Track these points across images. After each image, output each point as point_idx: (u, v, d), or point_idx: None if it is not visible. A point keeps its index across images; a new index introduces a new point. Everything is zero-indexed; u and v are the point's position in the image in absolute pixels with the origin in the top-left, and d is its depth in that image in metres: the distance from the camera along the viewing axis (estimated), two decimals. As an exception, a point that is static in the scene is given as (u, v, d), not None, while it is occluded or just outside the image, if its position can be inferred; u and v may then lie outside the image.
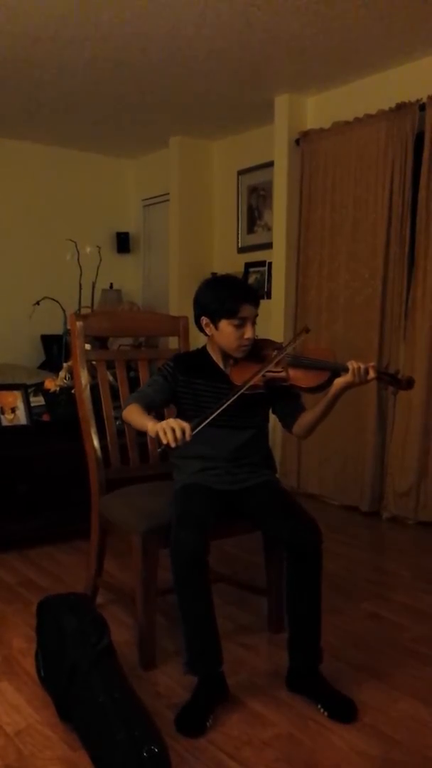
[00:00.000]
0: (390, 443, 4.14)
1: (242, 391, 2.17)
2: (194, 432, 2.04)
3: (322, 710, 2.08)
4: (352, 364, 2.15)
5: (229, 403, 2.14)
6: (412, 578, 3.22)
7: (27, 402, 3.56)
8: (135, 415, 2.22)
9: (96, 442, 2.63)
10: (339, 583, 3.09)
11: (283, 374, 2.25)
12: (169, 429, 2.00)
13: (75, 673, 1.95)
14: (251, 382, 2.20)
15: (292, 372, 2.26)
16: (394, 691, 2.22)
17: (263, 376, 2.25)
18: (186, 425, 2.02)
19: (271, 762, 1.87)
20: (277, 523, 2.23)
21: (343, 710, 2.07)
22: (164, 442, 2.00)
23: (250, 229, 5.45)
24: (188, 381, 2.36)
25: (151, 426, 2.09)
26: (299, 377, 2.25)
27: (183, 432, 2.00)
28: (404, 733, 2.00)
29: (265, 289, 5.07)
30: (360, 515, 4.22)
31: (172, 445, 2.00)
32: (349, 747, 1.93)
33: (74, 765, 1.85)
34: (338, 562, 3.36)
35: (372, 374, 2.15)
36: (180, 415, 2.40)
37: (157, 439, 2.03)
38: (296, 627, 2.18)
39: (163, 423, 2.03)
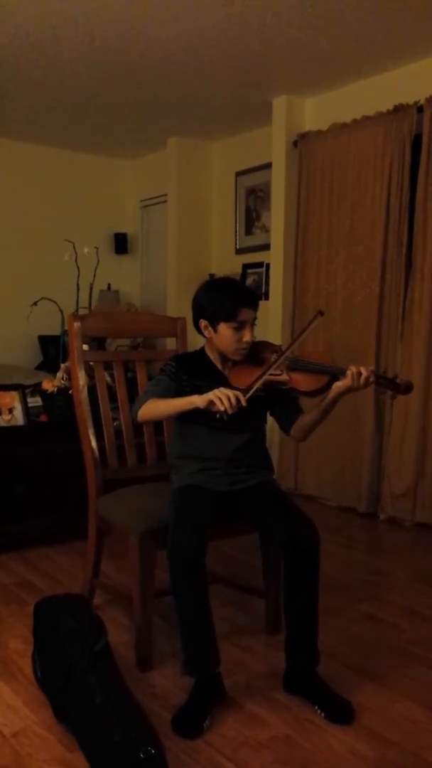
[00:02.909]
0: (387, 445, 4.15)
1: (271, 369, 2.20)
2: (247, 397, 2.06)
3: (319, 712, 2.08)
4: (350, 369, 2.15)
5: (268, 372, 2.17)
6: (409, 580, 3.23)
7: (24, 402, 3.55)
8: (162, 404, 2.21)
9: (93, 443, 2.63)
10: (336, 585, 3.09)
11: (283, 377, 2.25)
12: (224, 396, 2.02)
13: (72, 674, 1.95)
14: (269, 373, 2.21)
15: (291, 375, 2.26)
16: (391, 692, 2.23)
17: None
18: (238, 392, 2.04)
19: (268, 763, 1.87)
20: (275, 524, 2.23)
21: (340, 712, 2.07)
22: (221, 408, 2.01)
23: (248, 231, 5.45)
24: (190, 381, 2.35)
25: (199, 399, 2.09)
26: (299, 380, 2.25)
27: (237, 399, 2.02)
28: (401, 735, 2.00)
29: (263, 291, 5.07)
30: (357, 516, 4.22)
31: (230, 411, 2.02)
32: (345, 748, 1.93)
33: (71, 766, 1.85)
34: (335, 563, 3.36)
35: (371, 379, 2.15)
36: (179, 416, 2.40)
37: (210, 407, 2.05)
38: (293, 628, 2.18)
39: (215, 391, 2.05)
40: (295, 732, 2.01)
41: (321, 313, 2.37)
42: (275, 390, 2.28)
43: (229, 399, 2.02)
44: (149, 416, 2.26)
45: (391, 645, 2.55)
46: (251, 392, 2.10)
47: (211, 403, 2.05)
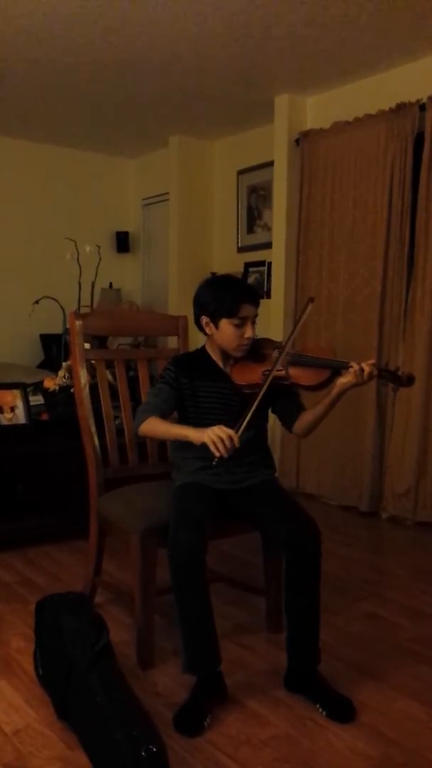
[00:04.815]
0: (389, 443, 4.14)
1: (266, 385, 2.18)
2: (239, 435, 2.06)
3: (320, 710, 2.08)
4: (353, 367, 2.15)
5: (258, 399, 2.15)
6: (410, 578, 3.22)
7: (26, 401, 3.56)
8: (161, 426, 2.24)
9: (95, 441, 2.63)
10: (337, 583, 3.09)
11: (283, 373, 2.25)
12: (218, 440, 2.03)
13: (73, 672, 1.95)
14: (273, 373, 2.20)
15: (292, 370, 2.26)
16: (392, 691, 2.23)
17: (263, 375, 2.25)
18: (231, 432, 2.04)
19: (269, 762, 1.87)
20: (276, 522, 2.23)
21: (342, 710, 2.07)
22: (217, 455, 2.02)
23: (250, 229, 5.45)
24: (190, 383, 2.35)
25: (193, 434, 2.11)
26: (300, 375, 2.25)
27: (231, 439, 2.03)
28: (402, 733, 2.00)
29: (265, 289, 5.07)
30: (359, 515, 4.22)
31: (225, 456, 2.02)
32: (347, 747, 1.93)
33: (72, 764, 1.85)
34: (337, 562, 3.36)
35: (374, 373, 2.16)
36: (180, 417, 2.40)
37: (207, 451, 2.05)
38: (294, 627, 2.18)
39: (209, 433, 2.04)
40: (296, 730, 2.01)
41: (311, 299, 2.39)
42: (276, 386, 2.28)
43: (223, 443, 2.03)
44: (149, 435, 2.34)
45: (393, 643, 2.55)
46: (242, 429, 2.09)
47: (205, 445, 2.06)
